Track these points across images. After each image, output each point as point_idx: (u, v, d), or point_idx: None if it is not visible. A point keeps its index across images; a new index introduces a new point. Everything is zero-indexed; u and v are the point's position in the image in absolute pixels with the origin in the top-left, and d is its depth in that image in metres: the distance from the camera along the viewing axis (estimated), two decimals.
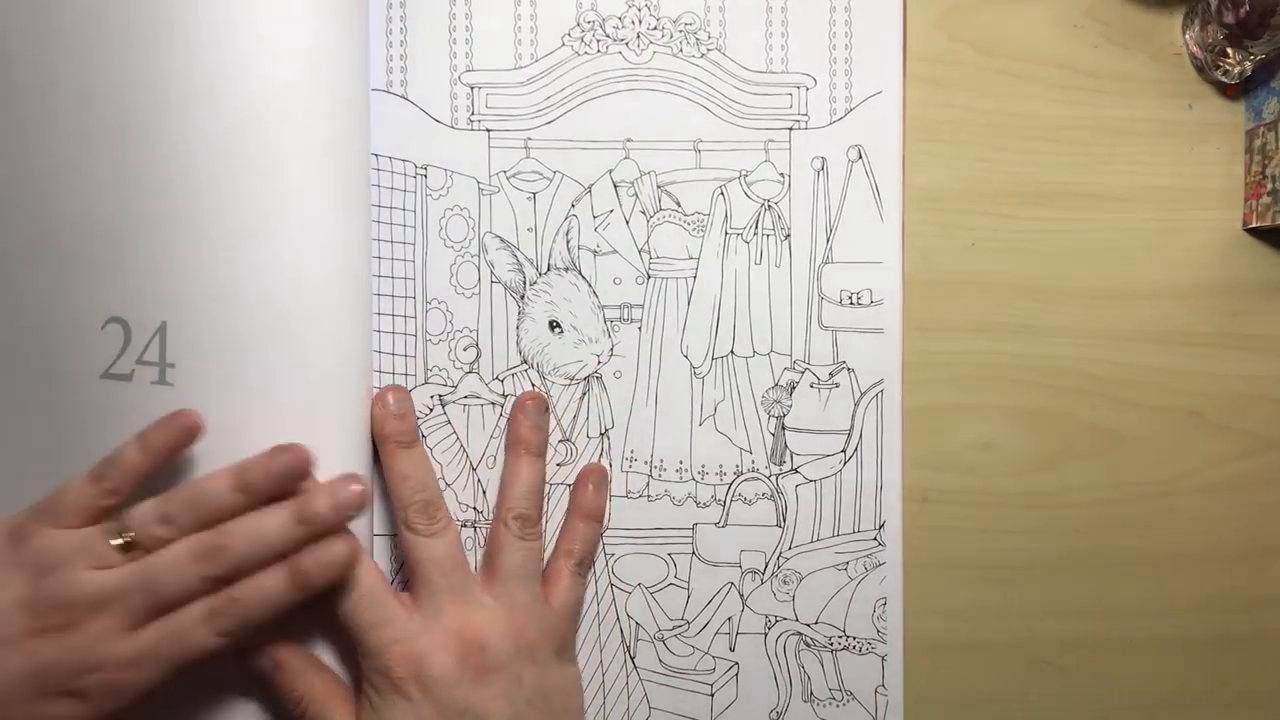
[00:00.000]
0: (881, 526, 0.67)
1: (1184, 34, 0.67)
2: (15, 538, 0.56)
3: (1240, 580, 0.69)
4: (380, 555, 0.65)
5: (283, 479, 0.57)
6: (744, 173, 0.66)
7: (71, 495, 0.57)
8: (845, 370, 0.67)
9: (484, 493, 0.66)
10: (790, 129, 0.66)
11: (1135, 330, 0.68)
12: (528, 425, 0.65)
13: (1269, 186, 0.65)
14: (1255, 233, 0.68)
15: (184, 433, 0.57)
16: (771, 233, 0.67)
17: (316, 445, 0.59)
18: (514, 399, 0.66)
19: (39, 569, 0.55)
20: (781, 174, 0.66)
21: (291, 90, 0.59)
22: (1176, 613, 0.69)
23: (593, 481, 0.66)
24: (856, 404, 0.67)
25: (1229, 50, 0.65)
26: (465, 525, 0.66)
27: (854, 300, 0.67)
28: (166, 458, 0.57)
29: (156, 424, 0.57)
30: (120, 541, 0.55)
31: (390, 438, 0.63)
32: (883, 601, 0.68)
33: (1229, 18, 0.63)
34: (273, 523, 0.57)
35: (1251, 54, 0.64)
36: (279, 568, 0.57)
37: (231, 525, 0.57)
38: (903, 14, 0.67)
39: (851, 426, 0.67)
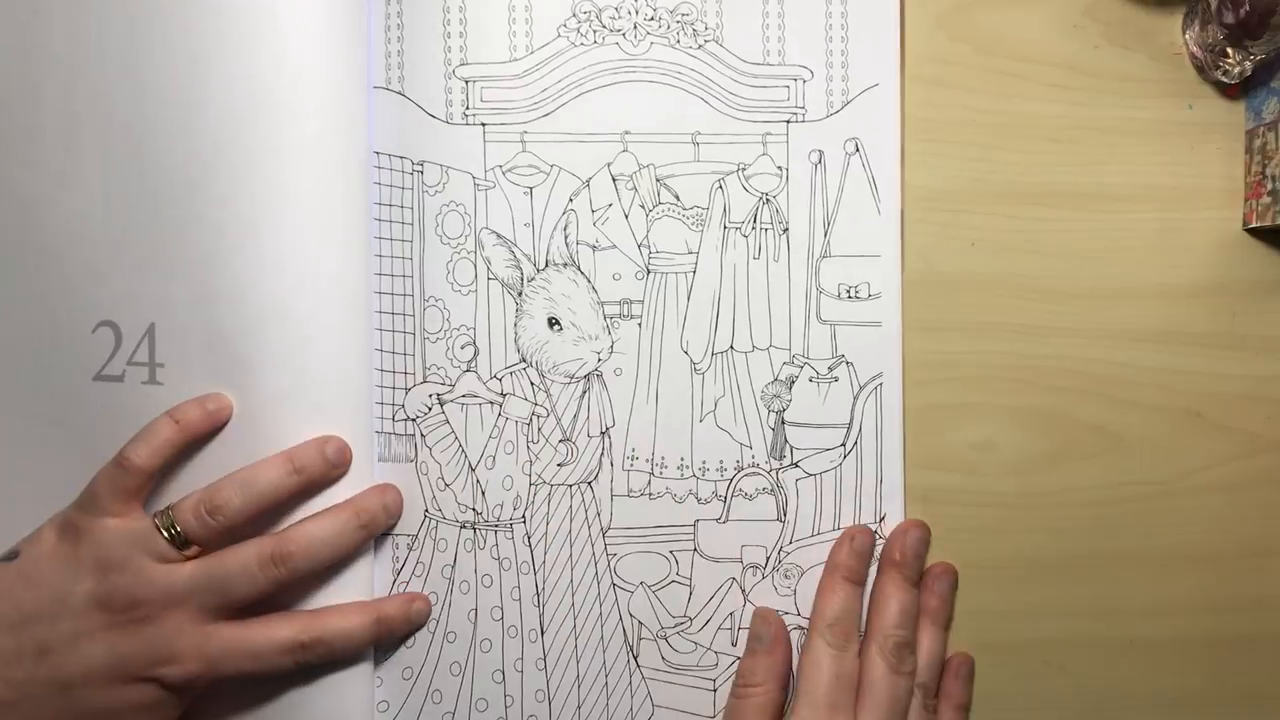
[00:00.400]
0: (883, 519, 0.67)
1: (1184, 34, 0.67)
2: (68, 533, 0.58)
3: (1240, 580, 0.69)
4: (380, 555, 0.64)
5: (332, 465, 0.60)
6: (742, 166, 0.66)
7: (103, 482, 0.58)
8: (844, 364, 0.67)
9: (483, 494, 0.66)
10: (788, 122, 0.66)
11: (1135, 330, 0.68)
12: (900, 549, 0.66)
13: (1269, 186, 0.65)
14: (1255, 233, 0.68)
15: (216, 410, 0.60)
16: (770, 227, 0.66)
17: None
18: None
19: (101, 564, 0.57)
20: (779, 167, 0.66)
21: (284, 92, 0.59)
22: (1177, 613, 0.69)
23: (961, 675, 0.67)
24: (856, 398, 0.67)
25: (1229, 50, 0.65)
26: (464, 526, 0.66)
27: (852, 294, 0.66)
28: (196, 431, 0.59)
29: (189, 401, 0.60)
30: (171, 535, 0.58)
31: (838, 568, 0.66)
32: None
33: (1229, 18, 0.63)
34: (334, 524, 0.60)
35: (1251, 54, 0.64)
36: (364, 612, 0.61)
37: (293, 530, 0.59)
38: (899, 6, 0.67)
39: (851, 420, 0.67)
